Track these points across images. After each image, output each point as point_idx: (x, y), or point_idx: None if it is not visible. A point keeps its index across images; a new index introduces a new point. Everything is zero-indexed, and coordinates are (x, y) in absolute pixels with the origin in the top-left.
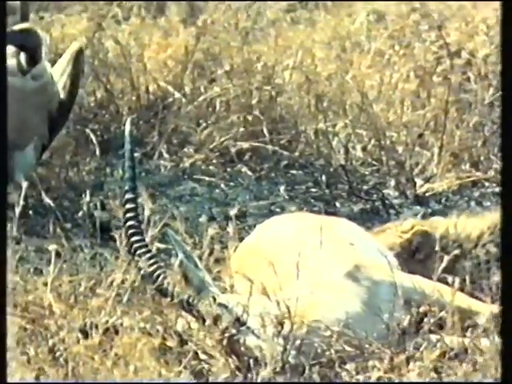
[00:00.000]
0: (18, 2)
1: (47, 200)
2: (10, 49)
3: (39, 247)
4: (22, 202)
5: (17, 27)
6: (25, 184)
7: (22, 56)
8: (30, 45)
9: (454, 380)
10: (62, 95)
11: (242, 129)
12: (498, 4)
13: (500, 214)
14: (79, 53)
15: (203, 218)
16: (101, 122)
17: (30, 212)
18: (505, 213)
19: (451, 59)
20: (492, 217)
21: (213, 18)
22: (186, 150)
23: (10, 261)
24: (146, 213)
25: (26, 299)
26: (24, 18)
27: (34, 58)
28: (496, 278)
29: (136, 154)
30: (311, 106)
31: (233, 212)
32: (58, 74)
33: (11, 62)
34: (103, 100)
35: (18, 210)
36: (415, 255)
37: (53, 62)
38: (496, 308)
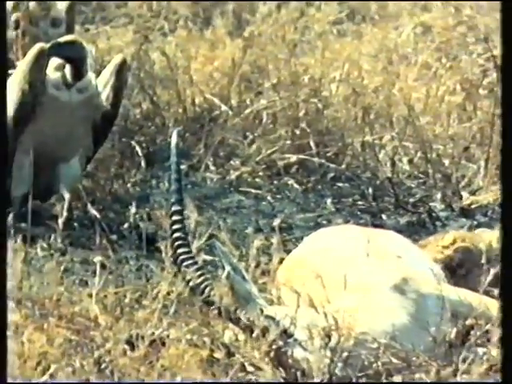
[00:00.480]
0: (63, 14)
1: (93, 212)
2: (54, 62)
3: (85, 259)
4: (65, 214)
5: (62, 39)
6: (67, 195)
7: (67, 69)
8: (75, 57)
9: None
10: (106, 107)
11: (288, 141)
12: None
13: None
14: (122, 65)
15: (250, 230)
16: (146, 134)
17: (76, 224)
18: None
19: (498, 72)
20: None
21: (260, 31)
22: (232, 162)
23: (54, 272)
24: (193, 225)
25: (72, 311)
26: (69, 30)
27: (79, 71)
28: None
29: (182, 167)
30: (358, 118)
31: (276, 223)
32: (102, 85)
33: (55, 75)
34: (149, 112)
35: (61, 222)
36: (457, 271)
37: (98, 74)
38: None
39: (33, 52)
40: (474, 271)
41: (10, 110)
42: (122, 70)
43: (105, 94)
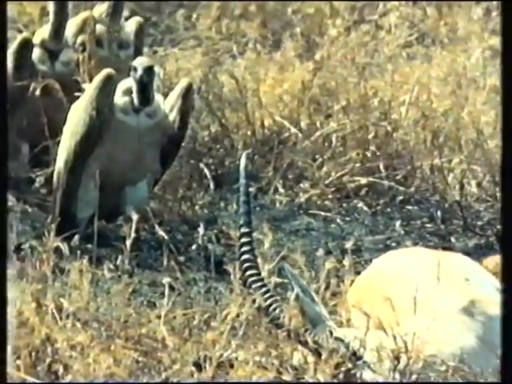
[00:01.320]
0: (132, 37)
1: (161, 233)
2: (122, 85)
3: (153, 280)
4: (132, 235)
5: (138, 63)
6: (135, 217)
7: (135, 93)
8: (145, 81)
9: None
10: (173, 130)
11: (358, 164)
12: None
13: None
14: (189, 88)
15: (320, 252)
16: (215, 157)
17: (143, 245)
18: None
19: None
20: None
21: (329, 53)
22: (301, 185)
23: (122, 293)
24: (265, 246)
25: (139, 332)
26: (137, 52)
27: (148, 95)
28: None
29: (251, 189)
30: (427, 141)
31: (348, 245)
32: (168, 108)
33: (123, 99)
34: (218, 134)
35: (129, 243)
36: None
37: (165, 96)
38: None
39: (100, 77)
40: None
41: (77, 134)
42: (188, 93)
43: (171, 118)
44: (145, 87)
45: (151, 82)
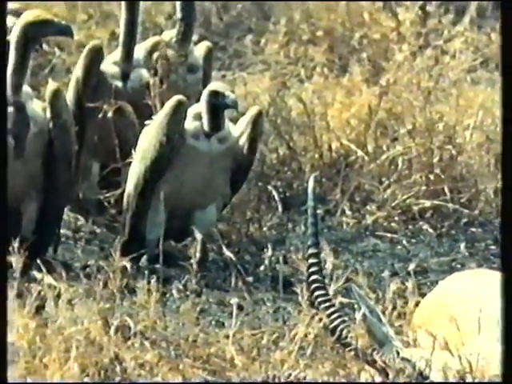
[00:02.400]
0: (201, 61)
1: (228, 254)
2: (192, 110)
3: (221, 300)
4: (198, 255)
5: (211, 88)
6: (200, 237)
7: (205, 118)
8: (218, 106)
9: None
10: (243, 156)
11: (423, 187)
12: None
13: None
14: (258, 116)
15: (386, 274)
16: (283, 179)
17: (211, 266)
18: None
19: None
20: None
21: (395, 78)
22: (368, 207)
23: (190, 313)
24: (330, 268)
25: (208, 351)
26: (206, 76)
27: (219, 121)
28: None
29: (319, 211)
30: (491, 165)
31: (411, 267)
32: (238, 133)
33: (193, 124)
34: (286, 157)
35: (195, 263)
36: None
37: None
38: None
39: (171, 104)
40: None
41: (147, 159)
42: (258, 120)
43: (241, 143)
44: (216, 113)
45: (223, 108)
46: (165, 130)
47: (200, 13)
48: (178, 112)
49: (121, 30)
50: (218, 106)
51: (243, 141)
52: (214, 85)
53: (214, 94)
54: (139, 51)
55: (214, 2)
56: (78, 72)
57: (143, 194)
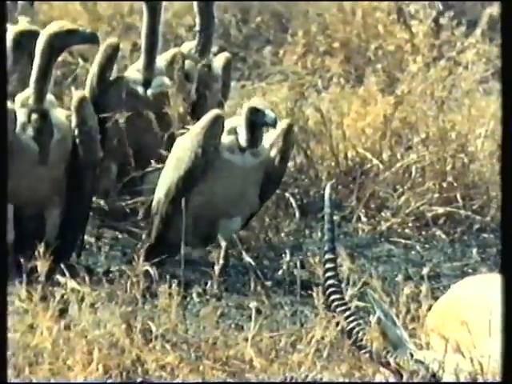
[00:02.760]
0: (220, 71)
1: (247, 259)
2: (227, 125)
3: (240, 304)
4: (221, 261)
5: (250, 105)
6: (224, 243)
7: (244, 135)
8: (257, 124)
9: None
10: (273, 168)
11: (436, 194)
12: None
13: None
14: (289, 129)
15: (400, 278)
16: (300, 187)
17: (231, 270)
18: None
19: None
20: None
21: (410, 88)
22: (383, 213)
23: (210, 316)
24: (346, 272)
25: (227, 354)
26: (225, 86)
27: (257, 136)
28: None
29: (335, 217)
30: None
31: (425, 272)
32: (268, 145)
33: (228, 138)
34: (303, 165)
35: (218, 269)
36: None
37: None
38: None
39: (209, 117)
40: None
41: (181, 169)
42: (289, 134)
43: (272, 155)
44: (255, 130)
45: (261, 125)
46: (201, 142)
47: (220, 25)
48: (216, 126)
49: (142, 39)
50: (256, 123)
51: (274, 153)
52: (254, 101)
53: (254, 111)
54: (161, 61)
55: (233, 12)
56: (94, 68)
57: (174, 202)
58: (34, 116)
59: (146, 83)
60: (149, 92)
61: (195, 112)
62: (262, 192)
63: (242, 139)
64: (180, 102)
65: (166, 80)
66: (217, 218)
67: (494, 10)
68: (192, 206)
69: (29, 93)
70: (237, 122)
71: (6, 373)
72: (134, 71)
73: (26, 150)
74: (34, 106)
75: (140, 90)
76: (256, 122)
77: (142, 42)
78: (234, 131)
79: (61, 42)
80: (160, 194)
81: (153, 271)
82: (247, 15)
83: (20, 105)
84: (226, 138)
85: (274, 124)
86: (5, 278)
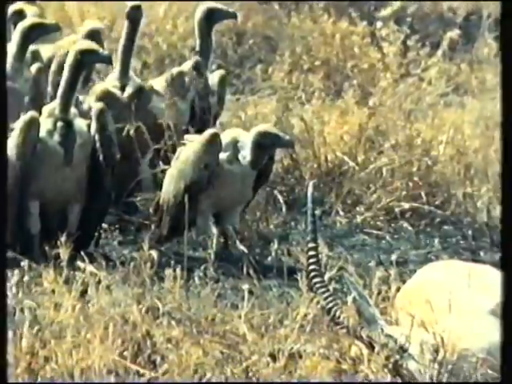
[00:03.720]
0: (216, 87)
1: (241, 247)
2: (225, 138)
3: (235, 286)
4: (214, 247)
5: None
6: (215, 232)
7: (250, 155)
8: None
9: None
10: (264, 166)
11: (404, 192)
12: None
13: None
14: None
15: (372, 264)
16: (287, 185)
17: (228, 257)
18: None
19: None
20: None
21: (381, 101)
22: (358, 208)
23: (209, 296)
24: (325, 259)
25: (224, 329)
26: (220, 100)
27: (262, 159)
28: None
29: (317, 212)
30: (461, 173)
31: (394, 258)
32: None
33: (227, 152)
34: (289, 167)
35: (212, 253)
36: None
37: None
38: None
39: (208, 136)
40: None
41: (187, 178)
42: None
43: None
44: (261, 152)
45: (273, 147)
46: (204, 158)
47: (218, 46)
48: (215, 142)
49: (120, 47)
50: (266, 146)
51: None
52: (263, 126)
53: (265, 135)
54: (159, 83)
55: (229, 36)
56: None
57: (182, 204)
58: (60, 124)
59: (122, 88)
60: (125, 94)
61: (194, 122)
62: (255, 186)
63: (246, 159)
64: (173, 114)
65: (138, 80)
66: (221, 211)
67: (454, 33)
68: (201, 207)
69: (55, 104)
70: (235, 136)
71: (5, 373)
72: (113, 79)
73: (53, 154)
74: (60, 116)
75: (118, 93)
76: (266, 144)
77: (120, 50)
78: (230, 146)
79: (88, 58)
80: (169, 195)
81: (157, 257)
82: (242, 38)
83: (47, 115)
84: (225, 152)
85: (291, 145)
86: (4, 276)
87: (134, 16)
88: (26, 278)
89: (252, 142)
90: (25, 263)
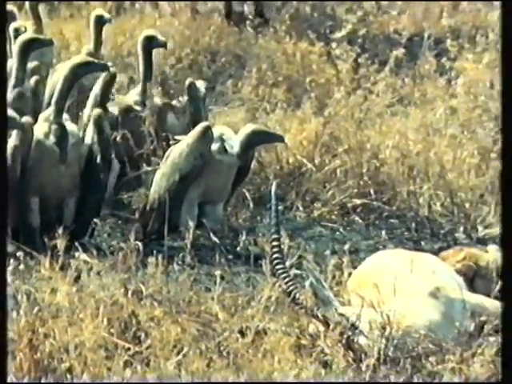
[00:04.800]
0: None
1: (214, 238)
2: (215, 133)
3: (208, 272)
4: (190, 238)
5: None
6: (192, 225)
7: (235, 148)
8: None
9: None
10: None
11: (355, 190)
12: None
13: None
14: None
15: (327, 253)
16: (254, 184)
17: (202, 247)
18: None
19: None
20: None
21: (335, 111)
22: (315, 204)
23: (186, 281)
24: (286, 248)
25: (199, 309)
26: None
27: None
28: None
29: (279, 207)
30: (405, 174)
31: (346, 247)
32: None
33: (216, 144)
34: (256, 168)
35: (189, 243)
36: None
37: None
38: None
39: (200, 129)
40: (476, 281)
41: (182, 170)
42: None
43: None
44: (250, 147)
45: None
46: (198, 149)
47: (194, 63)
48: (207, 135)
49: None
50: (256, 143)
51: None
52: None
53: (258, 133)
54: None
55: (204, 54)
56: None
57: (176, 196)
58: (55, 127)
59: (142, 103)
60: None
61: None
62: (234, 184)
63: (234, 151)
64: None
65: (157, 99)
66: (205, 204)
67: (399, 52)
68: (188, 196)
69: (50, 111)
70: (221, 131)
71: (5, 373)
72: (134, 95)
73: (49, 153)
74: (54, 120)
75: (138, 108)
76: (258, 141)
77: (141, 73)
78: (219, 139)
79: (82, 70)
80: (160, 189)
81: (141, 247)
82: (215, 56)
83: (43, 120)
84: (214, 144)
85: (282, 139)
86: (4, 275)
87: (147, 45)
88: (21, 267)
89: (245, 138)
90: (20, 253)
